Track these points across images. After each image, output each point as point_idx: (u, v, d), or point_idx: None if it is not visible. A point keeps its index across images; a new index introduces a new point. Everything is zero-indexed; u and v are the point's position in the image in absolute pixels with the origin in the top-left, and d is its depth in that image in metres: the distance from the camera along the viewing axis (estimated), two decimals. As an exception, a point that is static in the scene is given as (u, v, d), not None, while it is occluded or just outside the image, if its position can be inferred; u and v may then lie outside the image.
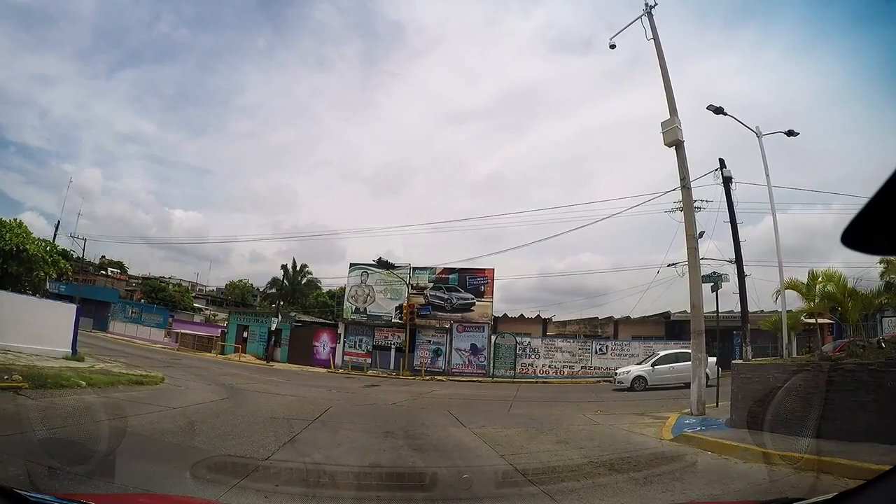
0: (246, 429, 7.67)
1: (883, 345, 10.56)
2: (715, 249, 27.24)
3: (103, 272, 53.02)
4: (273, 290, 48.78)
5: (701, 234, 13.68)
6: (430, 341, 29.19)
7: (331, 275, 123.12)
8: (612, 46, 13.37)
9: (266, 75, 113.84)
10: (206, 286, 62.69)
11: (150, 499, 3.81)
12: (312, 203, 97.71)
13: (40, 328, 14.24)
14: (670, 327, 29.10)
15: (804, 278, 14.38)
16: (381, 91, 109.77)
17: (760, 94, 68.28)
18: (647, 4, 12.49)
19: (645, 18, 12.50)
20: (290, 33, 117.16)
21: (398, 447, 7.04)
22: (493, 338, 28.46)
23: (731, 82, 75.27)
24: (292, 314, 35.91)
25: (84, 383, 9.99)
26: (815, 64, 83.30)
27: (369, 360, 29.51)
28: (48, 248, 19.26)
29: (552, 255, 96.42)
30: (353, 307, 31.36)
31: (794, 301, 15.37)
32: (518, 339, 28.40)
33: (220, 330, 37.52)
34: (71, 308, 16.65)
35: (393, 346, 29.39)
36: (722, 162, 14.73)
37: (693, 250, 11.81)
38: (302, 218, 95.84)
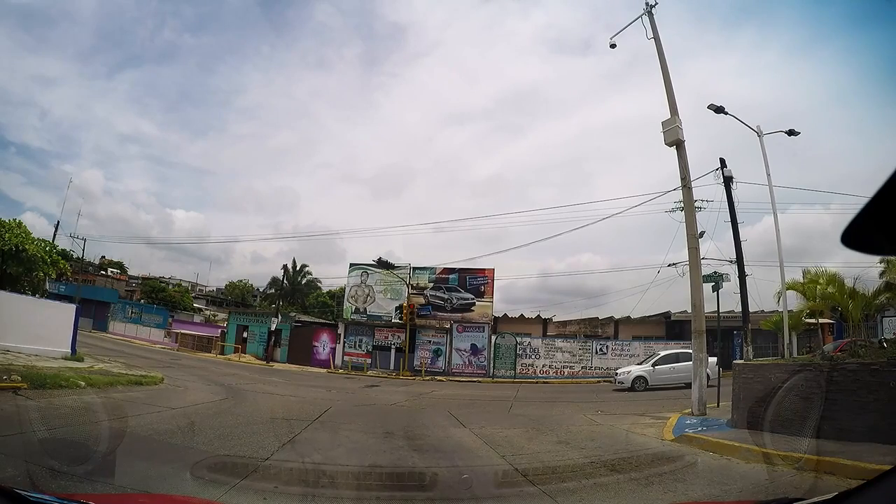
0: (245, 429, 7.66)
1: (885, 344, 10.54)
2: (715, 249, 27.30)
3: (103, 272, 52.99)
4: (273, 291, 48.76)
5: (701, 234, 13.68)
6: (430, 341, 29.17)
7: (331, 275, 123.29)
8: (613, 46, 13.39)
9: (267, 76, 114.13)
10: (205, 286, 62.78)
11: (150, 499, 3.80)
12: (313, 204, 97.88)
13: (39, 328, 14.22)
14: (671, 327, 29.08)
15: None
16: (382, 92, 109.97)
17: (760, 94, 68.42)
18: (647, 3, 12.50)
19: (645, 18, 12.51)
20: (290, 34, 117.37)
21: (398, 448, 7.03)
22: (494, 338, 28.44)
23: (731, 83, 75.45)
24: (292, 314, 35.88)
25: (83, 383, 9.98)
26: (815, 64, 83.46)
27: (369, 361, 29.50)
28: (48, 249, 19.29)
29: (552, 256, 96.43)
30: (353, 307, 31.34)
31: (795, 301, 15.38)
32: (518, 339, 28.37)
33: (219, 330, 37.52)
34: (70, 308, 16.64)
35: (393, 347, 29.37)
36: (723, 161, 14.74)
37: (694, 250, 11.79)
38: (303, 219, 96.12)
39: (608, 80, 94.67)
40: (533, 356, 28.00)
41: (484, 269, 30.25)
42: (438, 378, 25.72)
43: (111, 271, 54.85)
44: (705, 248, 15.29)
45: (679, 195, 13.01)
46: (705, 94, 70.11)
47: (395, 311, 29.95)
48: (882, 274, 16.49)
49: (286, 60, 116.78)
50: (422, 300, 30.08)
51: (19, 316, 14.05)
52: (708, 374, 11.60)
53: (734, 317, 17.81)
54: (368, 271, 31.33)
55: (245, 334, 33.43)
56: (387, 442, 7.43)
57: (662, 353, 19.48)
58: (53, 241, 26.83)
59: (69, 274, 27.23)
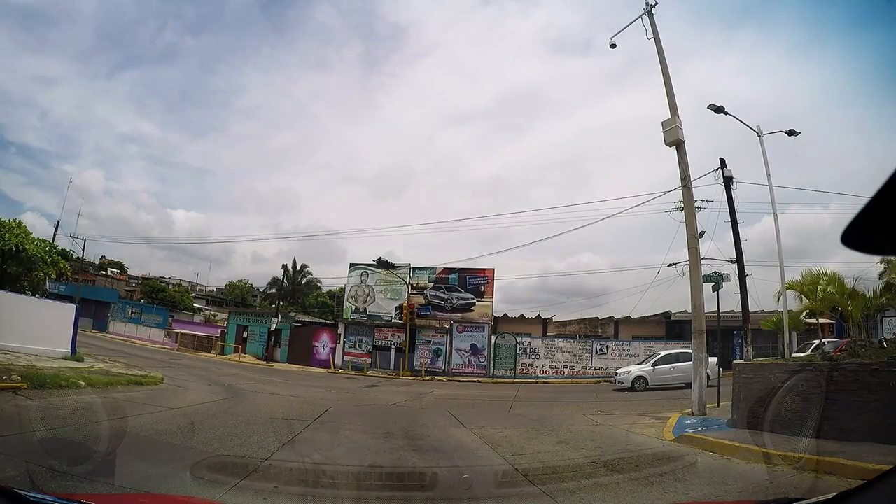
0: (245, 429, 7.66)
1: (885, 344, 10.53)
2: (715, 249, 27.27)
3: (103, 272, 52.99)
4: (273, 291, 48.76)
5: (701, 234, 13.69)
6: (430, 341, 29.17)
7: (331, 275, 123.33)
8: (613, 46, 13.39)
9: (267, 76, 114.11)
10: (205, 286, 62.79)
11: (150, 499, 3.80)
12: (314, 204, 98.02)
13: (39, 328, 14.21)
14: (671, 327, 29.09)
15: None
16: (382, 92, 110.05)
17: (760, 94, 68.44)
18: (647, 3, 12.50)
19: (645, 18, 12.50)
20: (290, 35, 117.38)
21: (398, 448, 7.03)
22: (494, 338, 28.43)
23: (731, 83, 75.49)
24: (292, 314, 35.87)
25: (83, 383, 9.98)
26: (815, 64, 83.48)
27: (369, 361, 29.49)
28: (48, 249, 19.31)
29: (552, 256, 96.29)
30: (353, 307, 31.33)
31: (795, 301, 15.37)
32: (518, 339, 28.37)
33: (219, 330, 37.49)
34: (70, 308, 16.62)
35: (393, 347, 29.37)
36: (723, 161, 14.74)
37: (694, 250, 11.79)
38: (303, 219, 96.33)
39: (608, 81, 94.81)
40: (533, 356, 28.00)
41: (484, 269, 30.25)
42: (438, 378, 25.71)
43: (111, 271, 54.86)
44: (705, 248, 15.32)
45: (679, 195, 13.01)
46: (705, 94, 70.18)
47: (395, 311, 29.94)
48: (882, 274, 16.49)
49: (286, 61, 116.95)
50: (422, 300, 30.06)
51: (19, 316, 14.03)
52: (708, 374, 11.60)
53: (734, 317, 17.81)
54: (368, 271, 31.32)
55: (245, 334, 33.41)
56: (387, 442, 7.43)
57: (662, 353, 19.47)
58: (53, 241, 26.87)
59: (69, 274, 27.24)
